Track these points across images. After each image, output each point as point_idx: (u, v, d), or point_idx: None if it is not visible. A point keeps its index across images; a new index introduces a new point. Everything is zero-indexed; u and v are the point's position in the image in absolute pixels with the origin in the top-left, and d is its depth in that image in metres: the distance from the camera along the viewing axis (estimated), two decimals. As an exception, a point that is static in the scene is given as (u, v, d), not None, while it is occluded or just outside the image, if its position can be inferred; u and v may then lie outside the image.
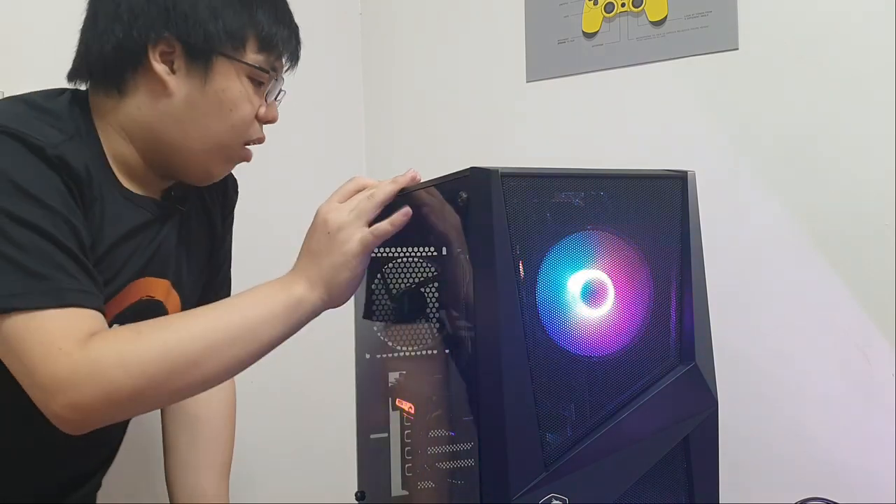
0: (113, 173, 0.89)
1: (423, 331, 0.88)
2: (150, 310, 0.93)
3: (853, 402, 1.13)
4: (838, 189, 1.14)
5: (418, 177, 0.85)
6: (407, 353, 0.89)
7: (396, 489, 0.90)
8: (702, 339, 0.86)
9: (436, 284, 0.89)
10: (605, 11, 1.35)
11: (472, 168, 0.78)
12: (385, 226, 0.81)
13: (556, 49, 1.41)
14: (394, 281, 0.91)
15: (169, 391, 0.79)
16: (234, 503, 1.11)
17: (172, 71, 0.87)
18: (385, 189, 0.83)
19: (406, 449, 0.90)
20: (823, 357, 1.15)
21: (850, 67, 1.13)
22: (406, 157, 1.63)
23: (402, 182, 0.84)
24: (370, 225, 0.82)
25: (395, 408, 0.91)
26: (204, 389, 0.83)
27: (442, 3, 1.59)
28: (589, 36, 1.37)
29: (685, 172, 0.88)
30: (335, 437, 1.45)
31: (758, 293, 1.20)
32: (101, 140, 0.88)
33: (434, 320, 0.88)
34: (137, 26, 0.85)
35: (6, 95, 1.13)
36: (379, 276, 0.91)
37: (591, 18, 1.36)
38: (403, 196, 0.84)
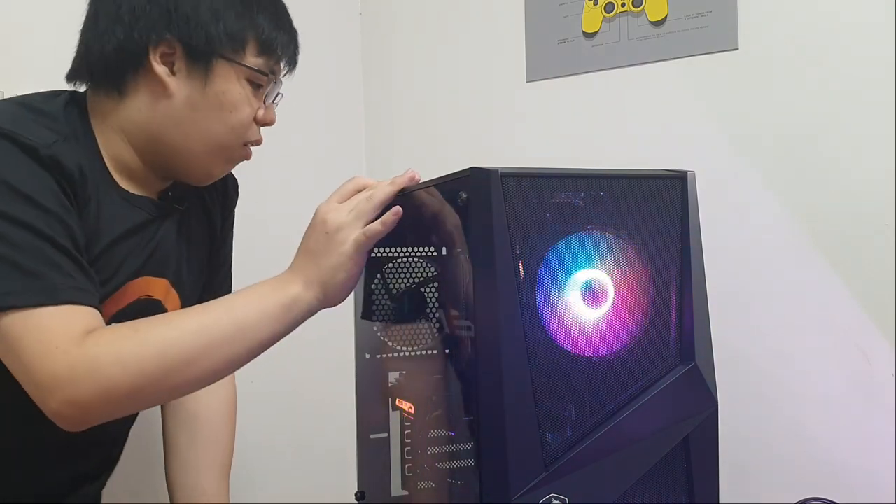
0: (109, 174, 0.89)
1: (423, 331, 0.88)
2: (149, 309, 0.93)
3: (853, 402, 1.13)
4: (838, 189, 1.14)
5: (417, 177, 0.85)
6: (407, 353, 0.89)
7: (396, 489, 0.90)
8: (702, 339, 0.86)
9: (436, 284, 0.89)
10: (605, 11, 1.35)
11: (472, 168, 0.78)
12: (376, 226, 0.82)
13: (556, 49, 1.41)
14: (394, 281, 0.91)
15: (165, 388, 0.80)
16: (234, 503, 1.11)
17: (173, 72, 0.87)
18: (384, 190, 0.83)
19: (406, 449, 0.90)
20: (823, 357, 1.15)
21: (850, 67, 1.13)
22: (406, 157, 1.63)
23: (401, 182, 0.84)
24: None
25: (395, 408, 0.91)
26: (201, 387, 0.84)
27: (442, 3, 1.59)
28: (589, 36, 1.37)
29: (685, 172, 0.88)
30: (335, 437, 1.45)
31: (758, 293, 1.20)
32: (99, 141, 0.89)
33: (434, 320, 0.88)
34: (139, 27, 0.86)
35: (6, 95, 1.14)
36: (379, 276, 0.91)
37: (591, 18, 1.36)
38: (403, 196, 0.84)
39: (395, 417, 0.91)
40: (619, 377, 0.83)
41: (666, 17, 1.29)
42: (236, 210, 1.12)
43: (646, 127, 1.32)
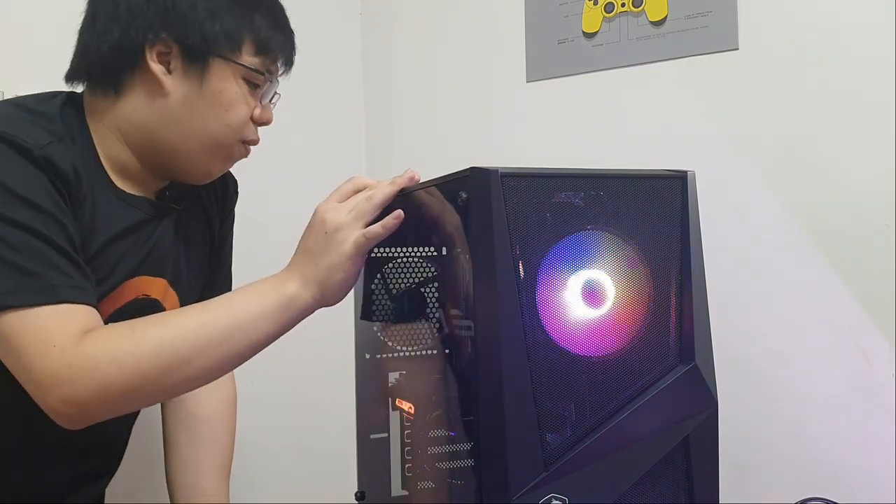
0: (105, 173, 0.89)
1: (423, 331, 0.88)
2: (147, 308, 0.93)
3: (853, 402, 1.13)
4: (838, 189, 1.14)
5: (417, 177, 0.85)
6: (407, 353, 0.89)
7: (396, 489, 0.90)
8: (702, 339, 0.86)
9: (436, 284, 0.89)
10: (605, 11, 1.35)
11: (472, 168, 0.78)
12: (377, 229, 0.82)
13: (556, 49, 1.41)
14: (394, 281, 0.91)
15: (162, 387, 0.80)
16: (233, 503, 1.11)
17: (169, 71, 0.87)
18: (384, 190, 0.83)
19: (406, 449, 0.90)
20: (823, 357, 1.15)
21: (850, 67, 1.13)
22: (406, 157, 1.63)
23: (401, 183, 0.84)
24: (368, 226, 0.83)
25: (395, 408, 0.91)
26: (199, 385, 0.84)
27: (442, 3, 1.59)
28: (589, 36, 1.37)
29: (685, 172, 0.88)
30: (335, 437, 1.45)
31: (758, 293, 1.20)
32: (95, 141, 0.89)
33: (434, 320, 0.88)
34: (135, 26, 0.86)
35: (6, 95, 1.14)
36: (379, 276, 0.91)
37: (591, 18, 1.36)
38: (403, 196, 0.84)
39: (395, 417, 0.91)
40: (619, 377, 0.83)
41: (666, 17, 1.29)
42: (236, 210, 1.12)
43: (646, 127, 1.32)
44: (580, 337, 0.82)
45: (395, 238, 0.83)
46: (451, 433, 0.84)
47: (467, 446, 0.80)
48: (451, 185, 0.81)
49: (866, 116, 1.12)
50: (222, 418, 1.11)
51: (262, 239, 1.31)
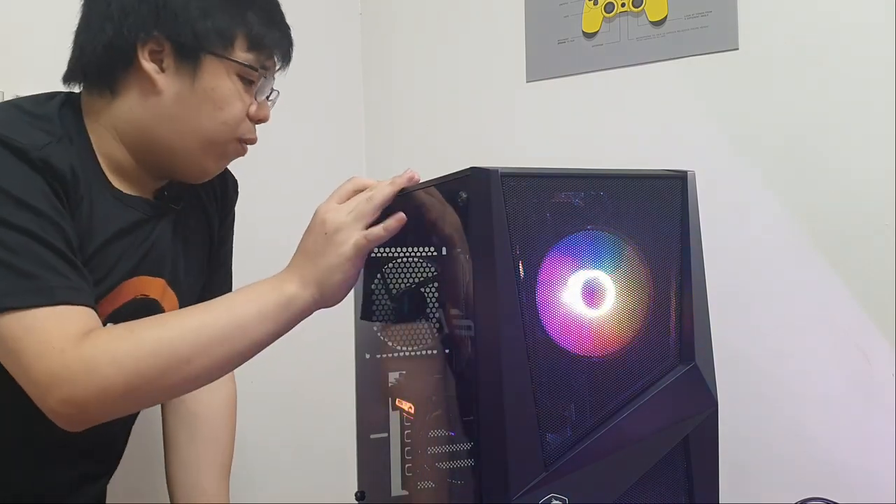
0: (103, 174, 0.89)
1: (423, 331, 0.88)
2: (145, 308, 0.93)
3: (853, 402, 1.13)
4: (838, 189, 1.14)
5: (416, 177, 0.85)
6: (407, 353, 0.89)
7: (396, 489, 0.90)
8: (701, 339, 0.86)
9: (436, 284, 0.89)
10: (605, 11, 1.35)
11: (472, 168, 0.78)
12: (378, 230, 0.81)
13: (556, 49, 1.41)
14: (394, 281, 0.91)
15: (162, 387, 0.80)
16: (233, 503, 1.11)
17: (162, 70, 0.87)
18: (384, 191, 0.83)
19: (406, 449, 0.90)
20: (823, 357, 1.15)
21: (850, 67, 1.13)
22: (406, 158, 1.63)
23: (401, 183, 0.84)
24: (368, 227, 0.83)
25: (395, 408, 0.91)
26: (197, 386, 0.84)
27: (442, 3, 1.59)
28: (589, 36, 1.37)
29: (685, 172, 0.88)
30: (335, 437, 1.45)
31: (758, 293, 1.20)
32: (93, 141, 0.89)
33: (434, 320, 0.88)
34: (127, 24, 0.86)
35: (6, 95, 1.14)
36: (379, 276, 0.91)
37: (591, 18, 1.36)
38: (403, 196, 0.84)
39: (395, 417, 0.91)
40: (619, 377, 0.83)
41: (666, 17, 1.29)
42: (236, 210, 1.12)
43: (646, 127, 1.32)
44: (580, 337, 0.82)
45: (394, 238, 0.83)
46: (451, 433, 0.84)
47: (467, 446, 0.80)
48: (451, 185, 0.81)
49: (866, 116, 1.12)
50: (222, 418, 1.11)
51: (262, 239, 1.31)
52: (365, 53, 1.71)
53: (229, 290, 1.12)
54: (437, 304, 0.88)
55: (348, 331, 1.00)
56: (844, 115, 1.14)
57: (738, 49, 1.23)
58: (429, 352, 0.88)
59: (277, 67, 0.95)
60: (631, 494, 0.82)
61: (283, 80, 0.97)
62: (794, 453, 1.17)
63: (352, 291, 0.86)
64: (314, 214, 0.85)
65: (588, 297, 0.83)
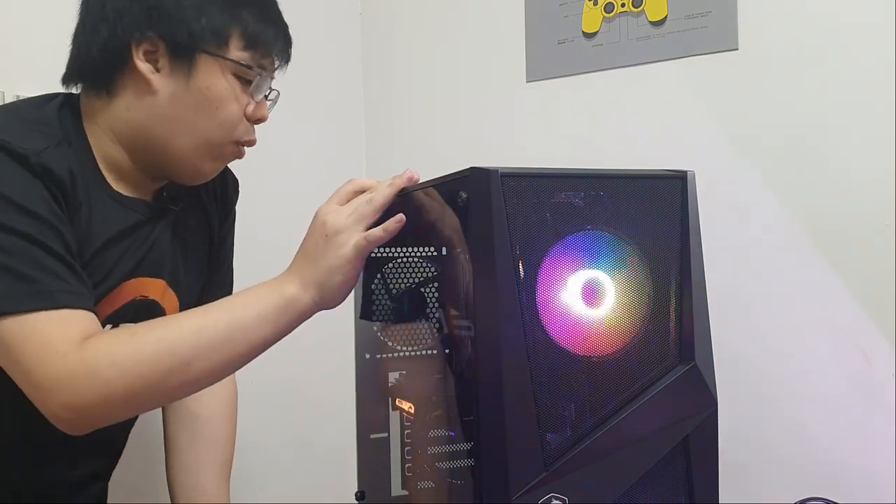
0: (102, 176, 0.89)
1: (423, 331, 0.88)
2: (145, 309, 0.93)
3: (853, 402, 1.13)
4: (838, 189, 1.14)
5: (416, 177, 0.85)
6: (407, 353, 0.89)
7: (396, 489, 0.90)
8: (701, 338, 0.86)
9: (436, 284, 0.89)
10: (605, 11, 1.35)
11: (472, 168, 0.78)
12: (378, 232, 0.81)
13: (556, 49, 1.41)
14: (394, 281, 0.91)
15: (163, 391, 0.80)
16: (234, 503, 1.11)
17: (157, 70, 0.87)
18: (383, 193, 0.83)
19: (406, 449, 0.90)
20: (823, 357, 1.15)
21: (850, 67, 1.13)
22: (406, 158, 1.63)
23: (401, 183, 0.84)
24: (368, 229, 0.82)
25: (395, 408, 0.91)
26: (199, 389, 0.84)
27: (442, 3, 1.59)
28: (589, 36, 1.37)
29: (685, 172, 0.88)
30: (335, 437, 1.45)
31: (758, 293, 1.20)
32: (91, 143, 0.89)
33: (434, 320, 0.88)
34: (122, 25, 0.86)
35: (6, 95, 1.14)
36: (379, 276, 0.91)
37: (591, 18, 1.36)
38: (404, 197, 0.84)
39: (395, 417, 0.91)
40: (619, 377, 0.83)
41: (666, 17, 1.29)
42: (236, 210, 1.12)
43: (646, 127, 1.32)
44: (580, 337, 0.82)
45: (395, 238, 0.83)
46: (451, 433, 0.84)
47: (467, 446, 0.80)
48: (451, 186, 0.81)
49: (866, 116, 1.12)
50: (223, 418, 1.11)
51: (262, 239, 1.32)
52: (365, 53, 1.71)
53: (230, 289, 1.12)
54: (437, 304, 0.88)
55: (348, 331, 1.00)
56: (844, 115, 1.14)
57: (737, 49, 1.23)
58: (429, 352, 0.88)
59: (276, 66, 0.94)
60: (631, 494, 0.82)
61: (283, 81, 0.96)
62: (794, 453, 1.17)
63: (352, 292, 0.86)
64: (314, 216, 0.85)
65: (588, 297, 0.84)
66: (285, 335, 0.83)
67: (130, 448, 1.08)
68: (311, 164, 1.58)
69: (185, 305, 0.99)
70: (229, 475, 1.11)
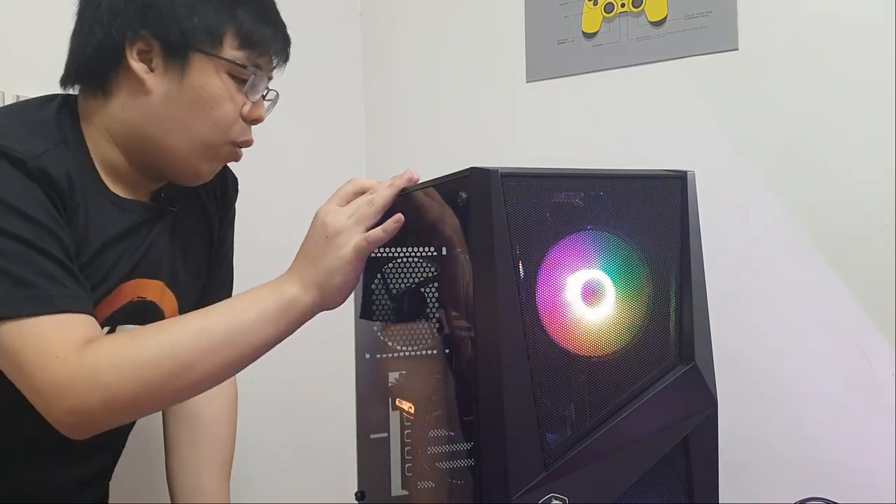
0: (99, 178, 0.89)
1: (423, 331, 0.88)
2: (144, 310, 0.93)
3: (853, 402, 1.13)
4: (838, 189, 1.14)
5: (416, 177, 0.85)
6: (407, 353, 0.89)
7: (396, 489, 0.90)
8: (701, 338, 0.86)
9: (436, 284, 0.89)
10: (605, 11, 1.35)
11: (472, 168, 0.78)
12: (378, 233, 0.81)
13: (556, 49, 1.41)
14: (394, 281, 0.91)
15: (165, 394, 0.80)
16: (234, 503, 1.11)
17: (151, 69, 0.87)
18: (384, 194, 0.83)
19: (406, 449, 0.90)
20: (823, 357, 1.15)
21: (850, 67, 1.13)
22: (406, 158, 1.63)
23: (401, 184, 0.84)
24: (369, 229, 0.82)
25: (395, 408, 0.91)
26: (200, 392, 0.84)
27: (442, 3, 1.59)
28: (589, 36, 1.37)
29: (685, 172, 0.88)
30: (335, 437, 1.45)
31: (758, 293, 1.20)
32: (88, 145, 0.89)
33: (434, 320, 0.88)
34: (115, 25, 0.86)
35: (6, 95, 1.14)
36: (379, 275, 0.91)
37: (591, 18, 1.36)
38: (404, 197, 0.84)
39: (395, 417, 0.91)
40: (619, 377, 0.83)
41: (666, 17, 1.29)
42: (236, 209, 1.11)
43: (646, 127, 1.32)
44: (580, 337, 0.82)
45: (395, 238, 0.83)
46: (451, 433, 0.84)
47: (467, 446, 0.80)
48: (451, 186, 0.81)
49: (866, 116, 1.12)
50: (223, 419, 1.11)
51: (262, 239, 1.32)
52: (365, 53, 1.71)
53: (230, 288, 1.12)
54: (437, 304, 0.88)
55: (348, 331, 1.00)
56: (844, 115, 1.14)
57: (737, 49, 1.23)
58: (429, 352, 0.88)
59: (274, 66, 0.94)
60: (631, 494, 0.82)
61: (282, 81, 0.96)
62: (794, 453, 1.17)
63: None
64: (315, 217, 0.85)
65: (588, 297, 0.84)
66: (286, 336, 0.83)
67: (130, 448, 1.08)
68: (311, 165, 1.58)
69: (184, 306, 0.99)
70: (229, 476, 1.11)
